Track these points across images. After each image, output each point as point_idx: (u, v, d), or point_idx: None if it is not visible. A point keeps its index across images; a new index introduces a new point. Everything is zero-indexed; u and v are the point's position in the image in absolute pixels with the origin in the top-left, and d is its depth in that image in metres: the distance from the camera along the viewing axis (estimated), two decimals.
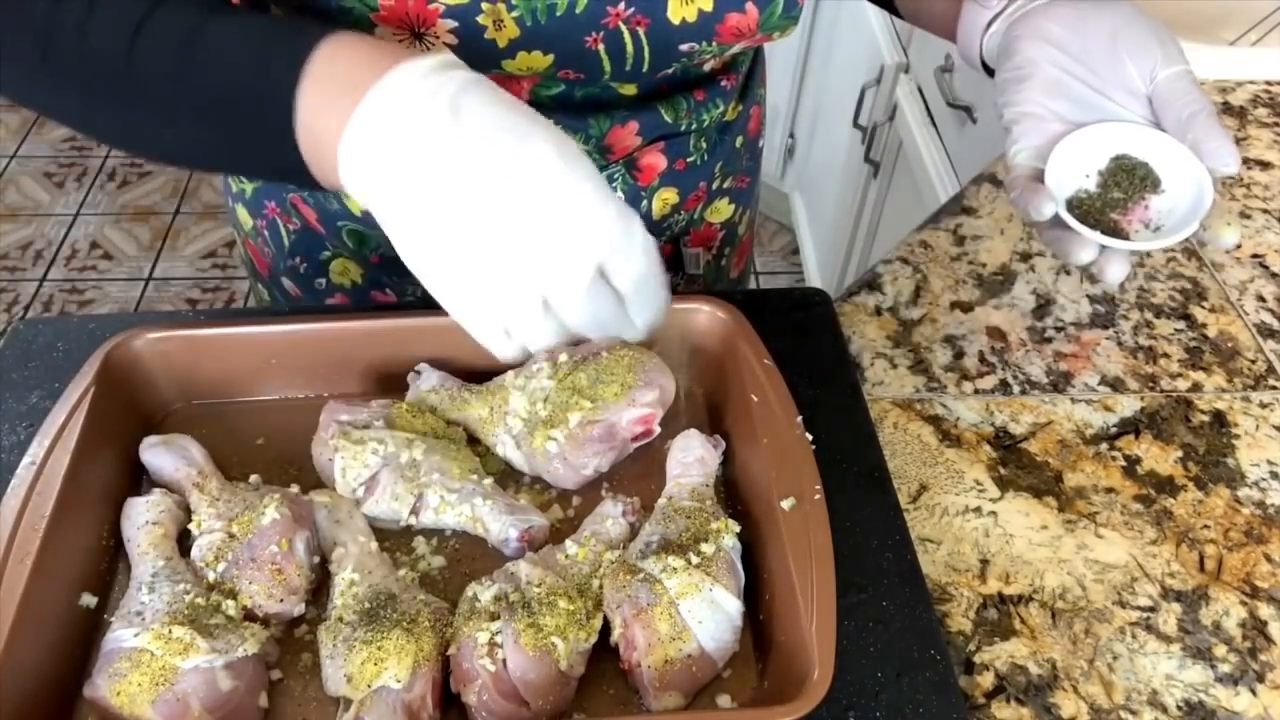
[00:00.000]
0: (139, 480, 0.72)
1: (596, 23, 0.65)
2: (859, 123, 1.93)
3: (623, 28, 0.66)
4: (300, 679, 0.62)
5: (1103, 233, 0.64)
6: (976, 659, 0.68)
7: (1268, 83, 1.25)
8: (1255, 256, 1.00)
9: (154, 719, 0.56)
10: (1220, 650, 0.69)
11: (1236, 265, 0.99)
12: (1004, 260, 0.97)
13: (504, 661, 0.58)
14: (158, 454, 0.70)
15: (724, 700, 0.62)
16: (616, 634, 0.62)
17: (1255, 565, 0.74)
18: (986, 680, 0.67)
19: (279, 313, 0.94)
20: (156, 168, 2.91)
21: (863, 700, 0.61)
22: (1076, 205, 0.66)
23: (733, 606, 0.63)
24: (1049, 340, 0.89)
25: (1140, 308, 0.93)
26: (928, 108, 1.70)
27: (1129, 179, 0.66)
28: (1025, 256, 0.97)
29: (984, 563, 0.73)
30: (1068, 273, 0.96)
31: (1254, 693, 0.67)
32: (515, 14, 0.63)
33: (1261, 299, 0.95)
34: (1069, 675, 0.67)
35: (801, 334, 0.81)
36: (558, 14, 0.64)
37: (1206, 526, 0.76)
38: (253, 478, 0.71)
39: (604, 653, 0.62)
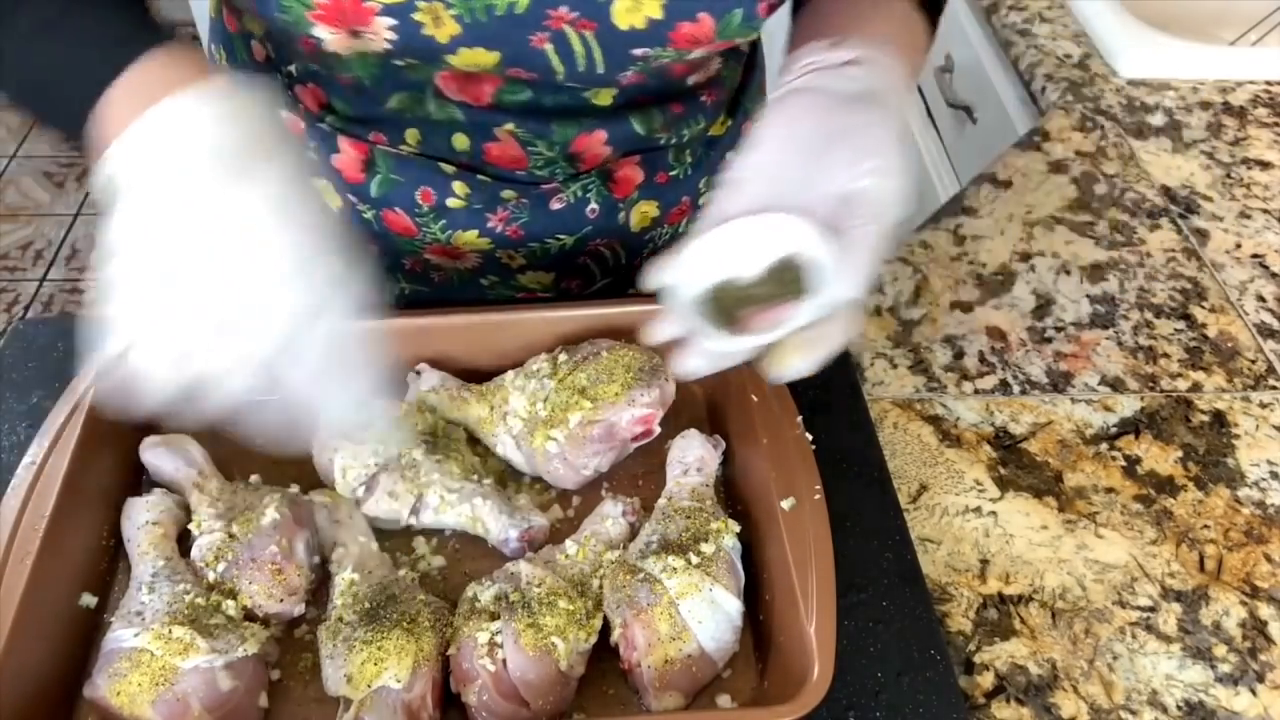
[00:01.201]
0: (139, 480, 0.72)
1: (540, 24, 0.64)
2: None
3: (568, 30, 0.65)
4: (300, 679, 0.62)
5: (725, 324, 0.59)
6: (976, 659, 0.68)
7: (1268, 83, 1.26)
8: (1255, 256, 1.00)
9: (154, 719, 0.56)
10: (1220, 650, 0.69)
11: (1236, 265, 0.99)
12: (1004, 260, 0.97)
13: (504, 661, 0.58)
14: (158, 454, 0.70)
15: (724, 700, 0.62)
16: (616, 634, 0.62)
17: (1255, 565, 0.74)
18: (986, 680, 0.67)
19: None
20: None
21: (863, 700, 0.61)
22: (717, 290, 0.59)
23: (733, 606, 0.63)
24: (1049, 340, 0.89)
25: (1140, 308, 0.93)
26: (928, 108, 1.70)
27: (779, 281, 0.59)
28: (1025, 256, 0.97)
29: (984, 563, 0.73)
30: (1068, 273, 0.96)
31: (1254, 693, 0.67)
32: (453, 12, 0.63)
33: (1261, 299, 0.95)
34: (1069, 675, 0.67)
35: None
36: (497, 13, 0.63)
37: (1206, 526, 0.76)
38: (253, 478, 0.71)
39: (604, 653, 0.62)
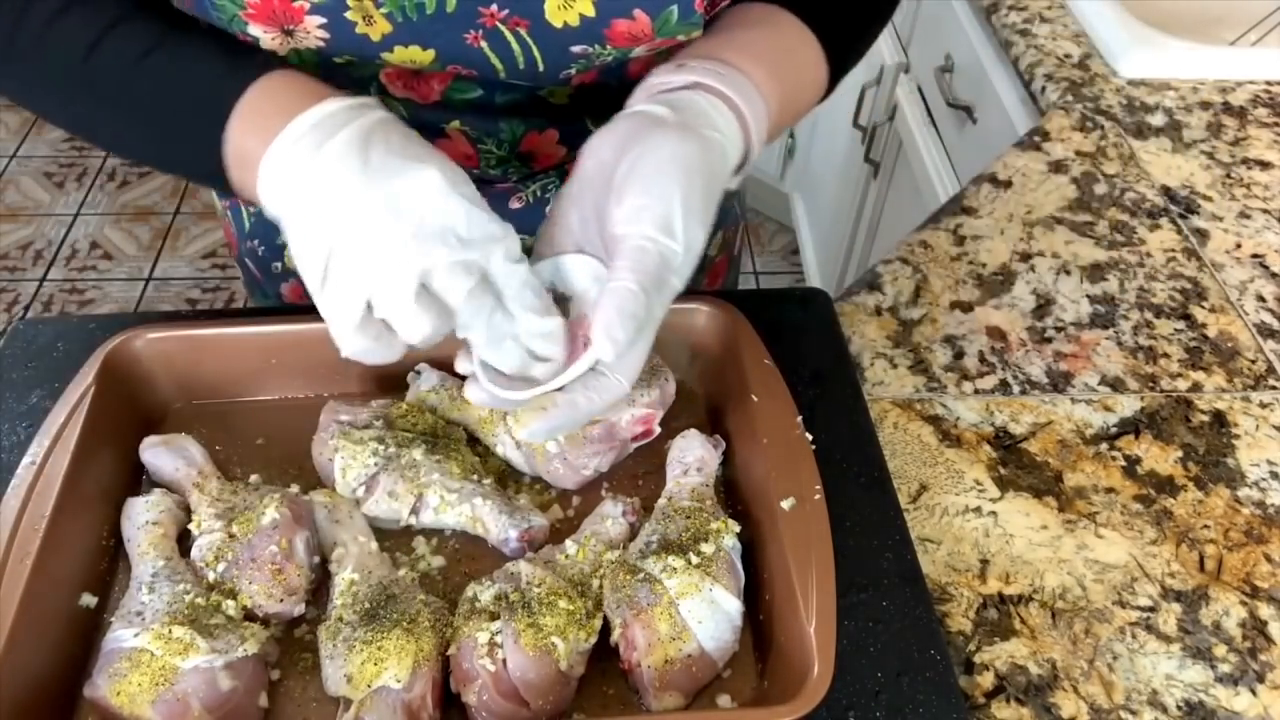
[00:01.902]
0: (139, 480, 0.72)
1: (472, 21, 0.64)
2: (859, 123, 1.93)
3: (501, 28, 0.65)
4: (300, 679, 0.62)
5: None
6: (976, 659, 0.68)
7: (1268, 83, 1.25)
8: (1255, 256, 1.00)
9: (154, 719, 0.57)
10: (1220, 650, 0.69)
11: (1236, 265, 0.99)
12: (1004, 260, 0.97)
13: (504, 661, 0.58)
14: (158, 454, 0.70)
15: (724, 700, 0.62)
16: (616, 634, 0.62)
17: (1255, 565, 0.74)
18: (986, 680, 0.67)
19: (279, 313, 0.94)
20: None
21: (863, 700, 0.61)
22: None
23: (733, 606, 0.63)
24: (1049, 340, 0.89)
25: (1140, 308, 0.93)
26: (928, 108, 1.70)
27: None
28: (1025, 256, 0.97)
29: (984, 563, 0.73)
30: (1068, 273, 0.96)
31: (1254, 693, 0.67)
32: (384, 10, 0.63)
33: (1261, 299, 0.95)
34: (1069, 675, 0.67)
35: (801, 334, 0.81)
36: (428, 12, 0.63)
37: (1206, 526, 0.76)
38: (253, 478, 0.71)
39: (604, 653, 0.62)
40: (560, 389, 0.58)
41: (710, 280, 0.99)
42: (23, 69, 0.63)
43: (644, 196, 0.56)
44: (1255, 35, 1.37)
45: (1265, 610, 0.71)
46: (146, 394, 0.74)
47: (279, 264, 0.91)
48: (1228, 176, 1.10)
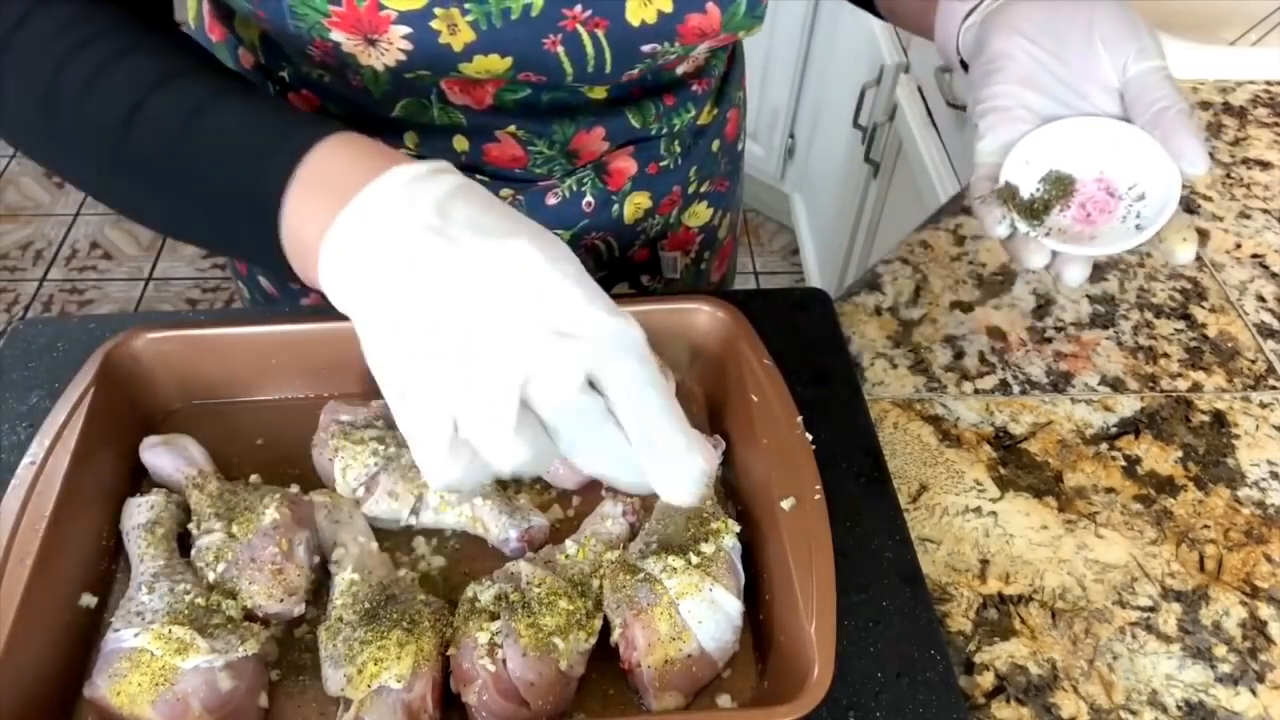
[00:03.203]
0: (139, 480, 0.72)
1: (554, 25, 0.64)
2: (859, 123, 1.93)
3: (580, 30, 0.65)
4: (300, 679, 0.62)
5: (1057, 232, 0.63)
6: (976, 659, 0.68)
7: (1268, 83, 1.25)
8: (1255, 256, 1.00)
9: (154, 719, 0.57)
10: (1220, 650, 0.69)
11: (1236, 265, 0.99)
12: (1004, 260, 0.97)
13: (504, 662, 0.58)
14: (158, 454, 0.70)
15: (724, 700, 0.62)
16: (616, 634, 0.62)
17: (1255, 565, 0.74)
18: (986, 680, 0.67)
19: (279, 313, 0.94)
20: None
21: (863, 700, 0.61)
22: (1027, 206, 0.64)
23: (733, 606, 0.63)
24: (1049, 340, 0.89)
25: (1140, 308, 0.93)
26: (928, 108, 1.70)
27: (1057, 185, 0.65)
28: None
29: (984, 563, 0.73)
30: None
31: (1254, 693, 0.67)
32: (469, 18, 0.62)
33: (1261, 299, 0.95)
34: (1069, 675, 0.67)
35: (801, 334, 0.81)
36: (513, 18, 0.63)
37: (1206, 526, 0.76)
38: (253, 478, 0.71)
39: (604, 653, 0.62)
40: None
41: (720, 261, 1.01)
42: (61, 139, 0.57)
43: (1143, 38, 0.62)
44: (1255, 35, 1.37)
45: (1265, 610, 0.71)
46: (146, 394, 0.74)
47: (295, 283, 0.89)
48: (1228, 176, 1.10)
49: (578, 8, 0.64)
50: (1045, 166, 0.64)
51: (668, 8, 0.65)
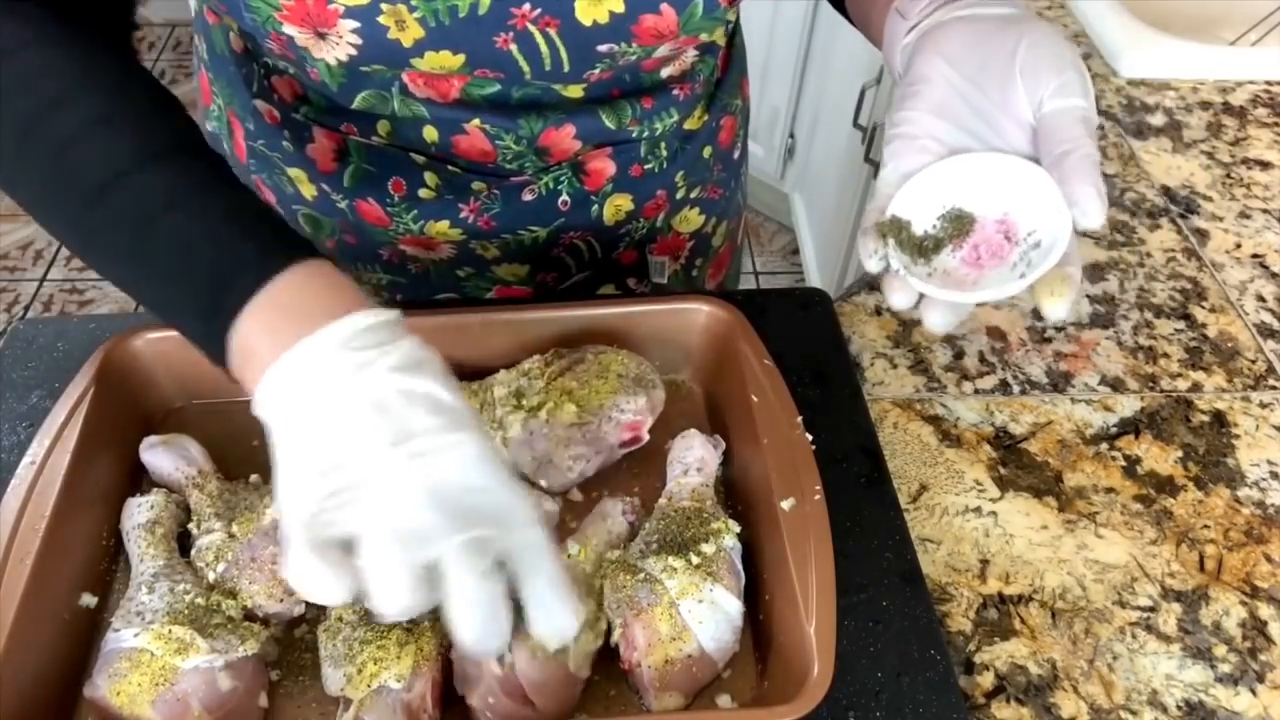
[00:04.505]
0: (139, 480, 0.72)
1: (503, 24, 0.64)
2: (859, 123, 1.93)
3: (532, 29, 0.65)
4: (300, 679, 0.62)
5: (941, 273, 0.59)
6: (976, 659, 0.68)
7: (1268, 83, 1.26)
8: (1255, 256, 1.00)
9: (154, 719, 0.57)
10: (1220, 650, 0.69)
11: (1236, 265, 0.99)
12: None
13: (511, 664, 0.58)
14: (158, 454, 0.70)
15: (724, 700, 0.62)
16: (617, 634, 0.61)
17: (1255, 565, 0.74)
18: (986, 680, 0.67)
19: None
20: None
21: (863, 700, 0.61)
22: (918, 243, 0.60)
23: (733, 606, 0.62)
24: (1049, 340, 0.89)
25: (1140, 308, 0.93)
26: None
27: (955, 224, 0.60)
28: None
29: (984, 563, 0.73)
30: None
31: (1254, 693, 0.67)
32: (417, 15, 0.62)
33: (1261, 299, 0.95)
34: (1069, 675, 0.67)
35: (801, 334, 0.81)
36: (460, 15, 0.63)
37: (1206, 526, 0.76)
38: (253, 478, 0.71)
39: (605, 653, 0.62)
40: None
41: (715, 270, 1.00)
42: (28, 188, 0.58)
43: (1065, 73, 0.57)
44: (1255, 35, 1.37)
45: (1265, 610, 0.71)
46: (146, 394, 0.74)
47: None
48: (1228, 176, 1.10)
49: (525, 6, 0.63)
50: (948, 202, 0.60)
51: (619, 8, 0.64)
